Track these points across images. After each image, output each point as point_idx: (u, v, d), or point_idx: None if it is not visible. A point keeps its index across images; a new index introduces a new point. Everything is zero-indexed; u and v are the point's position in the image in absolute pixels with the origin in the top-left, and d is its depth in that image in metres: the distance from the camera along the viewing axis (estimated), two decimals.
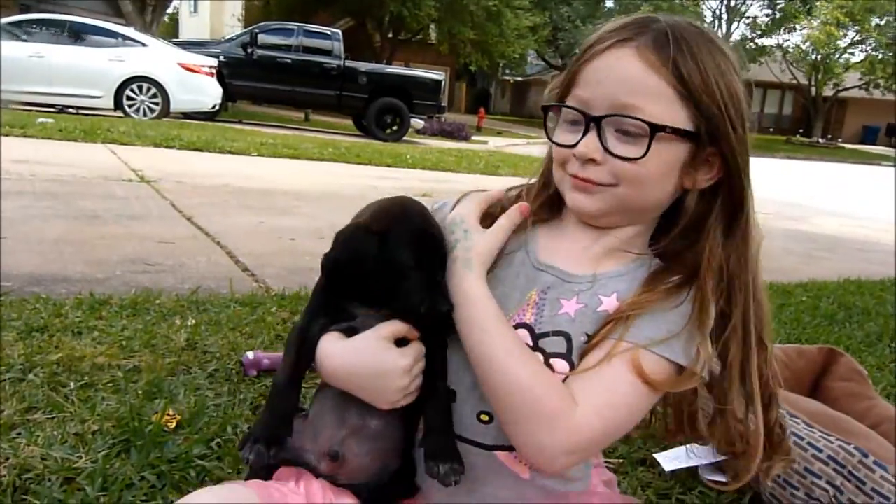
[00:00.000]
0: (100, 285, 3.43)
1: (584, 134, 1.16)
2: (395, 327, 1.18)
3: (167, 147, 10.04)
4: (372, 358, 1.16)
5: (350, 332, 1.20)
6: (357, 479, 1.24)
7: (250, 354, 2.53)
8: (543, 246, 1.30)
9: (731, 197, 1.20)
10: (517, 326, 1.23)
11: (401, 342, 1.19)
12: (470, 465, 1.22)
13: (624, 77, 1.13)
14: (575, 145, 1.17)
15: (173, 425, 2.05)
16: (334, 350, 1.19)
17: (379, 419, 1.22)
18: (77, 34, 14.57)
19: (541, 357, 1.20)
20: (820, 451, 1.82)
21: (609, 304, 1.22)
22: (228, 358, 2.62)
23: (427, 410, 1.22)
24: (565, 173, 1.22)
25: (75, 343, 2.57)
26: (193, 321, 2.96)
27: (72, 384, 2.24)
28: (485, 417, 1.23)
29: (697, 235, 1.22)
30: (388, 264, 1.14)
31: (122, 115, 14.27)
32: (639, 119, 1.12)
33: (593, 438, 1.13)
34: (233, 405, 2.25)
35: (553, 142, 1.24)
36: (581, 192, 1.20)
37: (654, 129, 1.12)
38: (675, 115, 1.13)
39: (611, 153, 1.15)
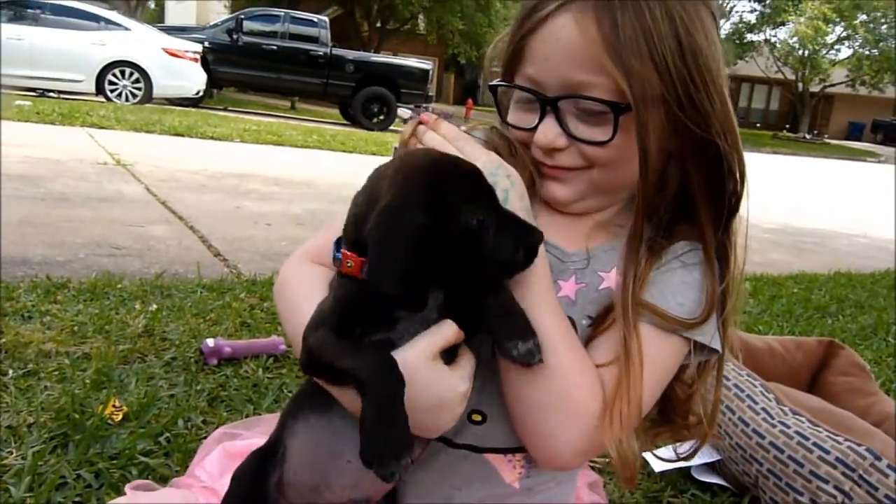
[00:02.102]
0: (60, 268, 3.25)
1: (542, 118, 1.02)
2: (444, 338, 0.94)
3: (147, 132, 9.78)
4: (425, 389, 0.92)
5: (386, 345, 0.93)
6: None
7: (210, 342, 2.36)
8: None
9: (711, 162, 1.03)
10: None
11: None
12: (453, 470, 1.10)
13: (570, 52, 0.97)
14: (533, 129, 1.04)
15: (119, 418, 1.87)
16: None
17: (417, 447, 0.99)
18: (58, 16, 14.23)
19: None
20: (827, 452, 1.67)
21: (610, 279, 1.09)
22: (188, 346, 2.44)
23: (486, 299, 0.96)
24: (533, 158, 1.08)
25: (22, 328, 2.39)
26: (155, 306, 2.78)
27: (11, 372, 2.07)
28: (477, 417, 1.09)
29: (689, 204, 1.07)
30: (463, 229, 0.88)
31: (103, 100, 13.97)
32: (597, 100, 0.97)
33: (612, 440, 1.01)
34: (188, 396, 2.08)
35: (508, 124, 1.10)
36: (553, 181, 1.07)
37: (617, 110, 0.97)
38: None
39: (575, 138, 1.01)
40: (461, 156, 0.97)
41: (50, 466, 1.62)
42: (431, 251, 0.85)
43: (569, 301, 1.07)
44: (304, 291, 1.05)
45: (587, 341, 1.06)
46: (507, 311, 0.95)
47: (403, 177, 0.91)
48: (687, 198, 1.07)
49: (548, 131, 1.01)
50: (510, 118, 1.09)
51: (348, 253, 0.92)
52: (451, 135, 1.01)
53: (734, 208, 1.06)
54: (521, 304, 0.96)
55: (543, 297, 0.99)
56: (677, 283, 1.05)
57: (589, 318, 1.07)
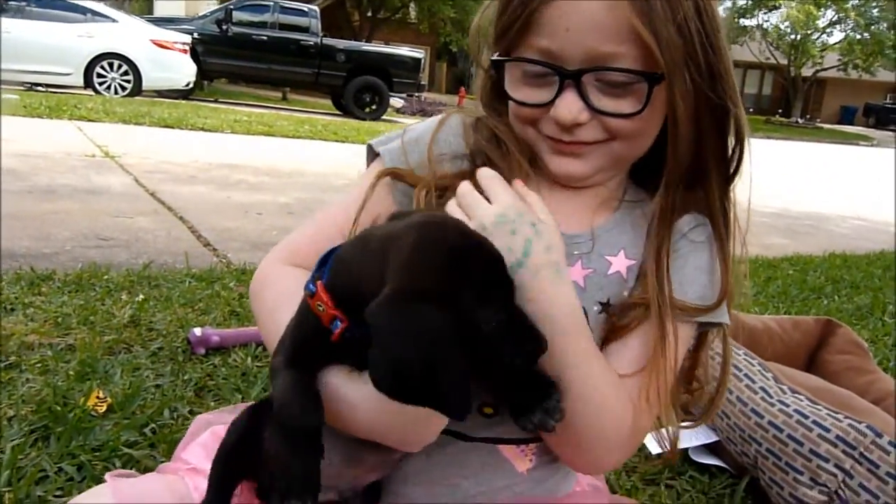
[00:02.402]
0: (45, 260, 3.19)
1: (559, 92, 0.95)
2: None
3: (136, 124, 9.69)
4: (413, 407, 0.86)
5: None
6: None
7: (197, 331, 2.31)
8: None
9: (721, 127, 1.00)
10: None
11: None
12: (462, 460, 1.05)
13: (595, 21, 0.91)
14: (549, 104, 0.96)
15: (103, 409, 1.83)
16: (355, 397, 0.87)
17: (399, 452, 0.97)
18: (43, 9, 14.06)
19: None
20: (827, 430, 1.63)
21: (619, 263, 1.04)
22: (176, 335, 2.40)
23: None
24: (539, 134, 1.01)
25: (4, 320, 2.33)
26: (142, 297, 2.73)
27: None
28: (488, 410, 1.04)
29: (698, 172, 1.03)
30: (476, 331, 0.77)
31: (92, 93, 13.84)
32: (630, 71, 0.92)
33: (645, 434, 1.02)
34: (174, 386, 2.03)
35: (515, 100, 1.01)
36: (568, 157, 1.01)
37: (651, 80, 0.92)
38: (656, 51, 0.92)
39: (601, 112, 0.95)
40: (489, 198, 0.92)
41: (30, 460, 1.58)
42: (445, 351, 0.73)
43: (577, 288, 1.00)
44: (281, 299, 0.98)
45: (603, 337, 1.02)
46: (521, 385, 0.90)
47: (420, 260, 0.77)
48: (697, 166, 1.02)
49: (571, 106, 0.94)
50: (516, 92, 1.01)
51: (324, 296, 0.83)
52: (465, 189, 0.95)
53: (736, 171, 1.04)
54: (562, 351, 0.90)
55: (590, 345, 0.95)
56: (691, 272, 1.02)
57: (599, 304, 1.03)
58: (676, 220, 1.04)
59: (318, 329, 0.84)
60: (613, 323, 1.02)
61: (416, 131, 1.13)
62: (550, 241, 0.91)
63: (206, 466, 1.10)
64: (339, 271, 0.84)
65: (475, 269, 0.78)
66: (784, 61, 42.75)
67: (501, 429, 1.05)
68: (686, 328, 1.02)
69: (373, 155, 1.15)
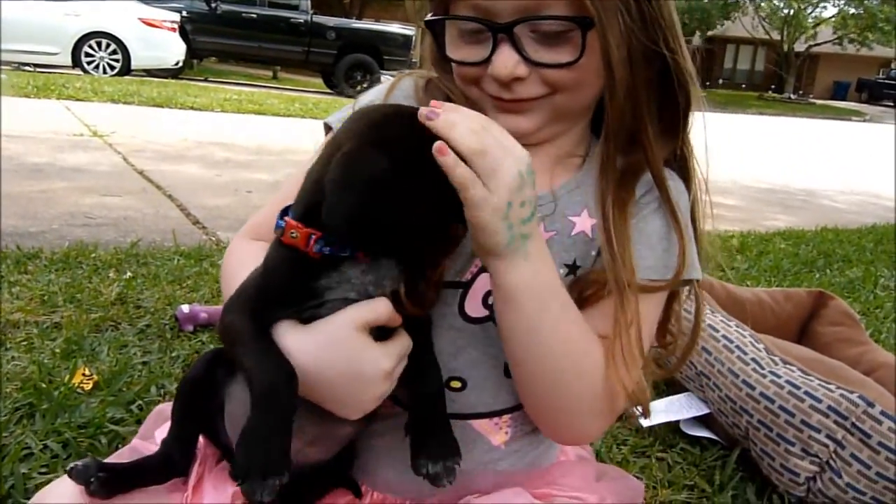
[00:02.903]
0: (32, 239, 3.16)
1: (494, 48, 0.91)
2: (374, 311, 0.87)
3: (125, 103, 9.58)
4: (345, 357, 0.86)
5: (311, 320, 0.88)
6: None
7: (185, 308, 2.29)
8: None
9: (659, 77, 0.96)
10: (479, 272, 1.00)
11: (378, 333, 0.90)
12: None
13: None
14: (485, 62, 0.93)
15: (89, 387, 1.81)
16: (290, 344, 0.86)
17: (346, 425, 0.95)
18: None
19: None
20: (819, 400, 1.62)
21: (582, 223, 1.01)
22: (163, 312, 2.37)
23: (414, 397, 0.95)
24: (482, 92, 0.97)
25: None
26: (129, 274, 2.70)
27: None
28: (456, 384, 1.02)
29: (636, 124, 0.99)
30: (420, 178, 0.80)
31: (80, 72, 13.68)
32: (561, 18, 0.88)
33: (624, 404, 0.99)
34: (161, 363, 2.01)
35: (453, 60, 0.98)
36: (512, 114, 0.96)
37: (583, 25, 0.88)
38: None
39: (538, 63, 0.91)
40: (498, 148, 0.83)
41: (15, 437, 1.56)
42: (389, 194, 0.78)
43: None
44: (241, 271, 0.96)
45: (575, 298, 0.98)
46: (429, 426, 0.93)
47: (365, 125, 0.85)
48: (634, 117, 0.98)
49: (506, 61, 0.91)
50: (454, 52, 0.97)
51: (293, 222, 0.85)
52: (475, 126, 0.83)
53: (685, 123, 1.01)
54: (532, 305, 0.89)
55: (562, 294, 0.93)
56: (647, 241, 0.99)
57: (565, 266, 1.00)
58: (630, 180, 1.00)
59: (291, 266, 0.86)
60: (581, 289, 1.00)
61: (368, 96, 1.11)
62: (533, 177, 0.86)
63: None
64: (301, 198, 0.88)
65: (416, 128, 0.81)
66: (777, 36, 42.58)
67: (471, 402, 1.03)
68: (650, 297, 0.99)
69: (328, 131, 1.12)
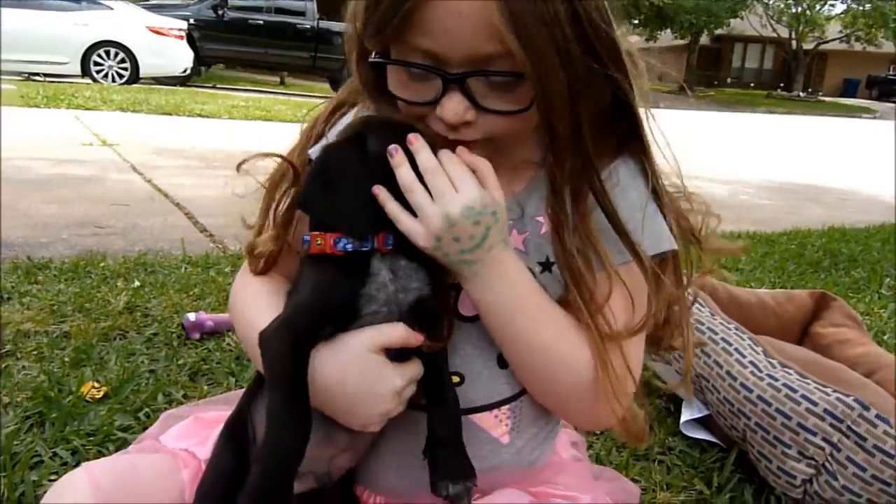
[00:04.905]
0: (42, 249, 3.21)
1: (444, 93, 0.92)
2: (387, 335, 0.94)
3: (134, 111, 9.67)
4: (359, 373, 0.93)
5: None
6: None
7: (192, 316, 2.32)
8: None
9: (599, 92, 0.96)
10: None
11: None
12: None
13: (474, 23, 0.87)
14: (434, 102, 0.93)
15: (99, 395, 1.84)
16: (316, 359, 0.92)
17: (370, 433, 1.01)
18: None
19: None
20: (815, 404, 1.64)
21: (548, 222, 1.04)
22: (170, 321, 2.41)
23: (432, 419, 0.99)
24: (427, 128, 0.98)
25: (1, 309, 2.35)
26: (137, 283, 2.74)
27: None
28: (455, 380, 1.05)
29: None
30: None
31: (90, 81, 13.79)
32: (508, 73, 0.90)
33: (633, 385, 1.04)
34: (168, 371, 2.05)
35: (400, 98, 0.98)
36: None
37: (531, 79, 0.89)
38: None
39: (487, 110, 0.93)
40: (454, 184, 0.92)
41: (25, 445, 1.60)
42: (367, 176, 0.92)
43: (520, 253, 1.02)
44: (249, 299, 1.08)
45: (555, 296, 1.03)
46: (448, 448, 0.98)
47: (348, 128, 0.99)
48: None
49: (456, 107, 0.92)
50: (399, 89, 0.98)
51: (315, 233, 0.94)
52: (431, 166, 0.92)
53: (633, 131, 1.01)
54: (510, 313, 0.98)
55: (542, 299, 1.00)
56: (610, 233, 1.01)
57: (539, 264, 1.04)
58: (579, 185, 0.99)
59: (333, 275, 0.93)
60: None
61: (339, 127, 1.13)
62: (503, 221, 0.96)
63: (196, 449, 1.12)
64: (313, 211, 0.97)
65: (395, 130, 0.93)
66: (785, 35, 42.41)
67: (469, 396, 1.05)
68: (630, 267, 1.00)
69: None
